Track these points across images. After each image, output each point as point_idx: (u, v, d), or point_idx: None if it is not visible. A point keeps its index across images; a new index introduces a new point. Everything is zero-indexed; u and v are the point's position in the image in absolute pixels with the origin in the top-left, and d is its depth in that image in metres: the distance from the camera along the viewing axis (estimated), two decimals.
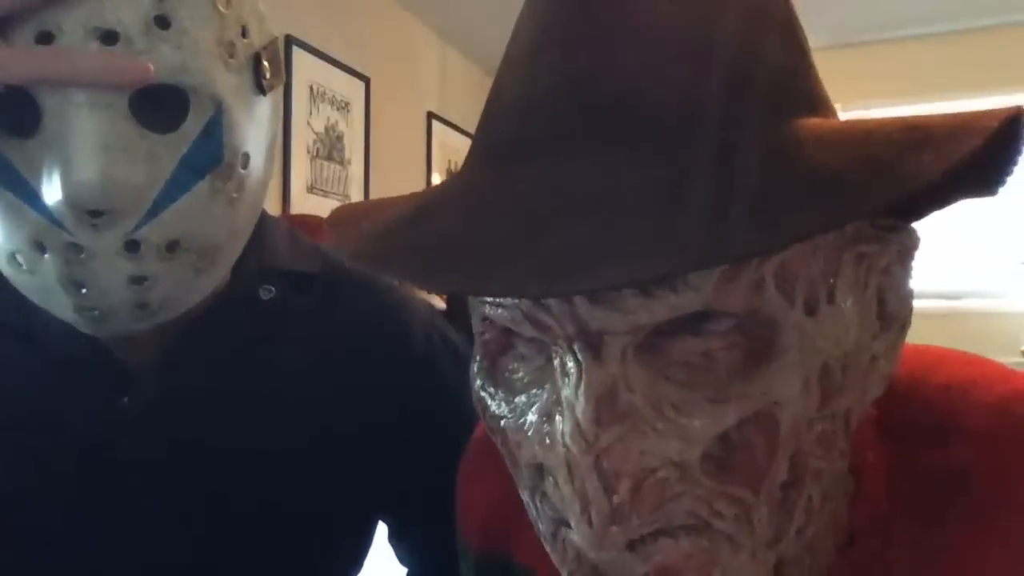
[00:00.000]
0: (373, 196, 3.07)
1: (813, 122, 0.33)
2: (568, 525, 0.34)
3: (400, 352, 0.67)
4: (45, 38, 0.44)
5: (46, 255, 0.47)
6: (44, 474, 0.57)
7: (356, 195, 3.03)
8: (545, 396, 0.34)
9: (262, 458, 0.61)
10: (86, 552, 0.58)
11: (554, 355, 0.33)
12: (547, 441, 0.33)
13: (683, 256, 0.27)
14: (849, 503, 0.39)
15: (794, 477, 0.33)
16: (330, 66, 2.85)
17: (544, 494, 0.35)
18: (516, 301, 0.33)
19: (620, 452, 0.31)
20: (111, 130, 0.45)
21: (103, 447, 0.58)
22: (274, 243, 0.64)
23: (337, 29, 2.89)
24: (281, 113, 0.60)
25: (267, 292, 0.62)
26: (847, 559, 0.39)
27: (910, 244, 0.36)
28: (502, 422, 0.36)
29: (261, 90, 0.53)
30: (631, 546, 0.32)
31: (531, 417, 0.35)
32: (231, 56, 0.50)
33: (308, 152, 2.75)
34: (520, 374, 0.37)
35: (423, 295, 0.93)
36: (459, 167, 0.39)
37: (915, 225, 0.37)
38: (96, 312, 0.48)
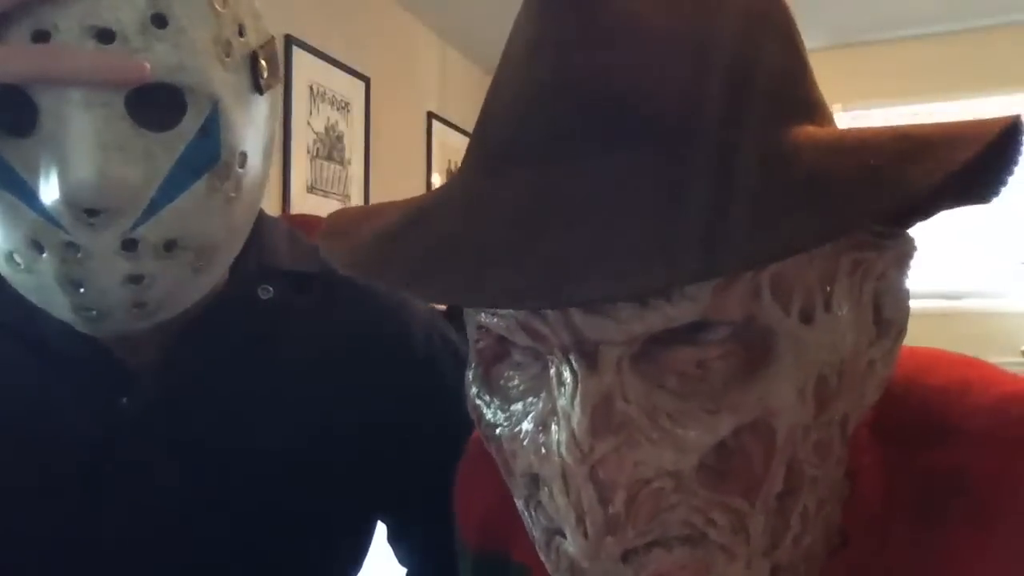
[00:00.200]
0: (373, 196, 3.07)
1: (811, 129, 0.33)
2: (562, 534, 0.34)
3: (400, 352, 0.67)
4: (41, 36, 0.44)
5: (43, 254, 0.46)
6: (44, 474, 0.57)
7: (356, 195, 3.03)
8: (541, 405, 0.34)
9: (262, 458, 0.61)
10: (86, 552, 0.58)
11: (549, 364, 0.33)
12: (542, 451, 0.33)
13: (679, 269, 0.27)
14: (843, 505, 0.39)
15: (790, 486, 0.33)
16: (330, 66, 2.85)
17: (539, 503, 0.35)
18: (511, 310, 0.33)
19: (615, 463, 0.31)
20: (108, 129, 0.45)
21: (103, 447, 0.57)
22: (273, 243, 0.64)
23: (337, 29, 2.89)
24: (279, 113, 0.59)
25: (266, 292, 0.61)
26: (841, 561, 0.39)
27: (906, 250, 0.36)
28: (497, 431, 0.36)
29: (258, 89, 0.53)
30: (625, 556, 0.32)
31: (526, 426, 0.34)
32: (228, 55, 0.49)
33: (308, 152, 2.75)
34: (515, 382, 0.36)
35: None
36: (459, 167, 0.39)
37: (915, 225, 0.37)
38: (94, 311, 0.48)
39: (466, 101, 3.85)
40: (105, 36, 0.44)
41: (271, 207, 2.50)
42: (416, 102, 3.54)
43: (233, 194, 0.51)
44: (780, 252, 0.28)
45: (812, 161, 0.30)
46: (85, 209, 0.45)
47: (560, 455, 0.31)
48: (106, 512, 0.58)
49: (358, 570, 0.72)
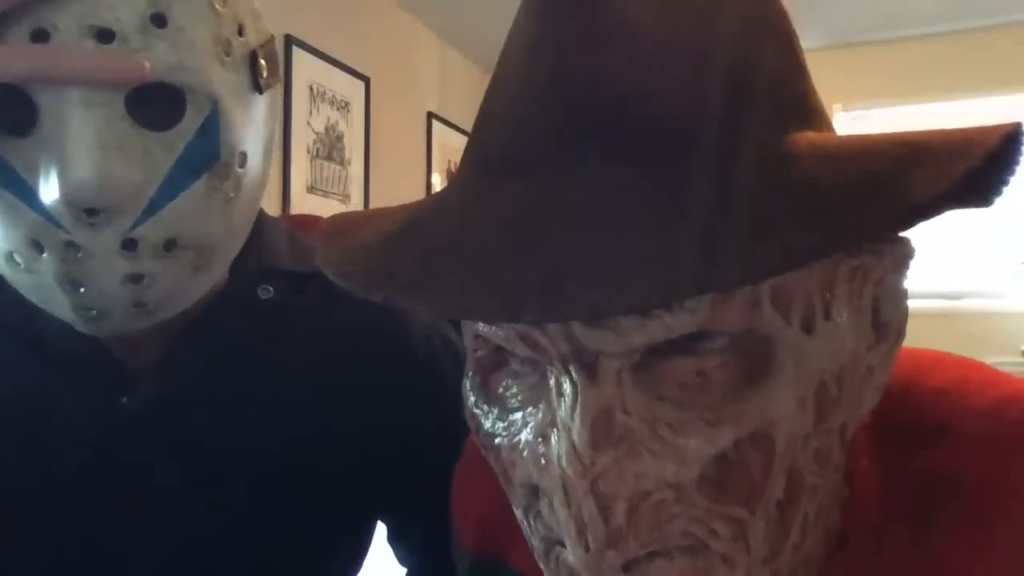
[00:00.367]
0: (373, 196, 3.07)
1: (811, 135, 0.32)
2: (562, 544, 0.34)
3: (400, 352, 0.67)
4: (40, 36, 0.44)
5: (43, 254, 0.46)
6: (44, 474, 0.57)
7: (356, 195, 3.02)
8: (540, 416, 0.34)
9: (262, 458, 0.61)
10: (86, 552, 0.58)
11: (549, 375, 0.33)
12: (542, 462, 0.33)
13: (678, 283, 0.27)
14: (842, 507, 0.38)
15: (790, 494, 0.33)
16: (330, 66, 2.85)
17: (538, 513, 0.35)
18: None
19: (616, 475, 0.31)
20: (107, 128, 0.45)
21: (103, 447, 0.57)
22: (273, 243, 0.64)
23: (337, 29, 2.89)
24: (279, 112, 0.59)
25: (266, 292, 0.61)
26: (839, 563, 0.38)
27: (905, 254, 0.36)
28: (496, 440, 0.36)
29: (258, 89, 0.53)
30: (627, 567, 0.32)
31: (526, 437, 0.34)
32: (227, 54, 0.49)
33: (308, 152, 2.75)
34: (514, 391, 0.36)
35: None
36: (456, 170, 0.39)
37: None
38: (94, 311, 0.48)
39: (466, 101, 3.85)
40: (104, 36, 0.44)
41: (271, 207, 2.50)
42: (416, 102, 3.54)
43: (233, 194, 0.51)
44: (781, 267, 0.28)
45: (812, 170, 0.29)
46: (85, 209, 0.44)
47: (561, 467, 0.31)
48: (106, 512, 0.58)
49: (358, 570, 0.72)
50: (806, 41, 0.36)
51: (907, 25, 3.60)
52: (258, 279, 0.61)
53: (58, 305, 0.49)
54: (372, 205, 3.10)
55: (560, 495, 0.32)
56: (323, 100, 2.82)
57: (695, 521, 0.32)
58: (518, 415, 0.35)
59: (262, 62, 0.53)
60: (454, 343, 0.70)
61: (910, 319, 0.37)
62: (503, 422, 0.36)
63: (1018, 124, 0.28)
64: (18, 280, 0.49)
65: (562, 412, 0.31)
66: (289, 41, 2.59)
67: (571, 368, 0.32)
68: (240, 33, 0.51)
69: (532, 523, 0.36)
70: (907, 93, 3.73)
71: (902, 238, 0.36)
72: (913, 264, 0.36)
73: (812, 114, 0.35)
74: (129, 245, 0.47)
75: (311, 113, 2.76)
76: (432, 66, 3.68)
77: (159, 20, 0.46)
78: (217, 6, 0.49)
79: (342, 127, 2.94)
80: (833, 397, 0.33)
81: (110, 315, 0.49)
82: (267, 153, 0.57)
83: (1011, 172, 0.28)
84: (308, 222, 0.71)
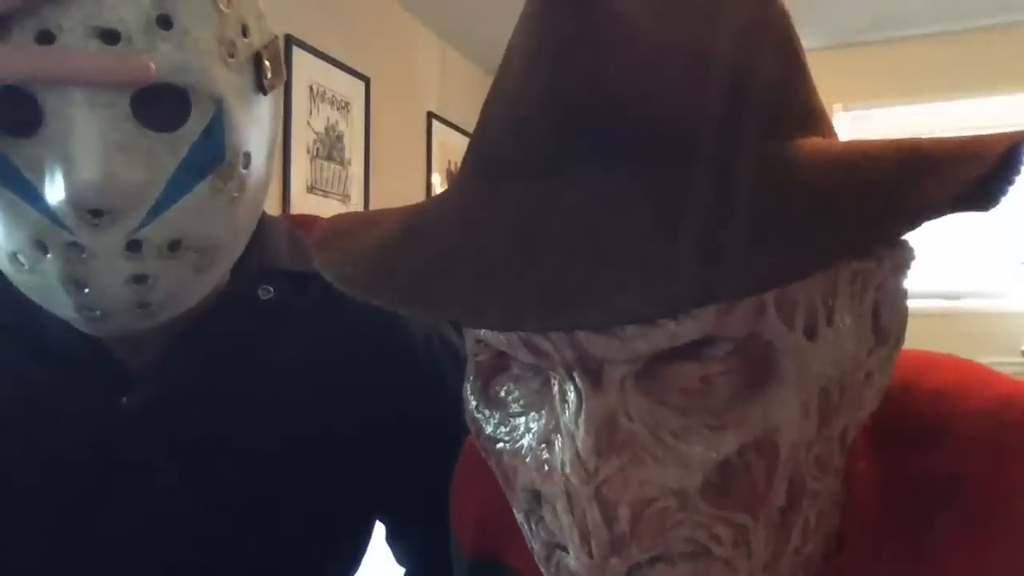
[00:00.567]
0: (373, 196, 3.07)
1: (813, 141, 0.32)
2: (563, 548, 0.34)
3: (400, 353, 0.67)
4: (45, 37, 0.44)
5: (48, 255, 0.46)
6: (44, 474, 0.57)
7: (356, 195, 3.02)
8: (543, 422, 0.34)
9: (261, 458, 0.61)
10: (86, 551, 0.58)
11: (552, 380, 0.33)
12: (545, 469, 0.33)
13: (681, 294, 0.27)
14: (840, 510, 0.38)
15: (792, 500, 0.33)
16: (330, 66, 2.85)
17: (540, 518, 0.35)
18: None
19: (620, 482, 0.31)
20: (112, 129, 0.45)
21: (103, 447, 0.57)
22: (274, 243, 0.64)
23: (337, 29, 2.89)
24: (282, 113, 0.59)
25: (266, 292, 0.62)
26: (837, 565, 0.38)
27: (905, 258, 0.36)
28: (498, 445, 0.36)
29: (262, 89, 0.53)
30: (629, 572, 0.32)
31: (528, 442, 0.34)
32: (232, 55, 0.49)
33: (308, 152, 2.75)
34: (516, 395, 0.36)
35: None
36: (459, 167, 0.39)
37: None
38: (97, 312, 0.48)
39: (466, 101, 3.85)
40: (109, 37, 0.44)
41: (271, 207, 2.49)
42: (416, 102, 3.54)
43: (237, 194, 0.51)
44: (788, 277, 0.28)
45: (816, 178, 0.29)
46: (89, 210, 0.45)
47: (564, 474, 0.31)
48: (106, 512, 0.58)
49: (356, 569, 0.72)
50: (806, 41, 0.36)
51: (907, 25, 3.59)
52: (258, 279, 0.61)
53: (61, 305, 0.49)
54: (372, 205, 3.10)
55: (564, 502, 0.32)
56: (323, 100, 2.82)
57: (698, 527, 0.32)
58: (520, 420, 0.35)
59: (266, 63, 0.53)
60: (454, 344, 0.70)
61: (910, 319, 0.37)
62: (505, 427, 0.36)
63: (1020, 133, 0.28)
64: (21, 280, 0.49)
65: (566, 418, 0.31)
66: (289, 41, 2.59)
67: (575, 375, 0.31)
68: (244, 34, 0.51)
69: (534, 528, 0.36)
70: (907, 93, 3.73)
71: (902, 242, 0.36)
72: (913, 264, 0.36)
73: (814, 118, 0.35)
74: (133, 246, 0.47)
75: (311, 113, 2.76)
76: (432, 66, 3.68)
77: (164, 21, 0.46)
78: (221, 7, 0.49)
79: (342, 127, 2.94)
80: (835, 402, 0.33)
81: (113, 316, 0.49)
82: (270, 154, 0.57)
83: (1012, 181, 0.28)
84: (308, 222, 0.71)
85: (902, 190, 0.28)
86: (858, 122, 3.81)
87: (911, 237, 0.36)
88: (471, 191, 0.35)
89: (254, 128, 0.52)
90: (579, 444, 0.31)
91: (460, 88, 3.87)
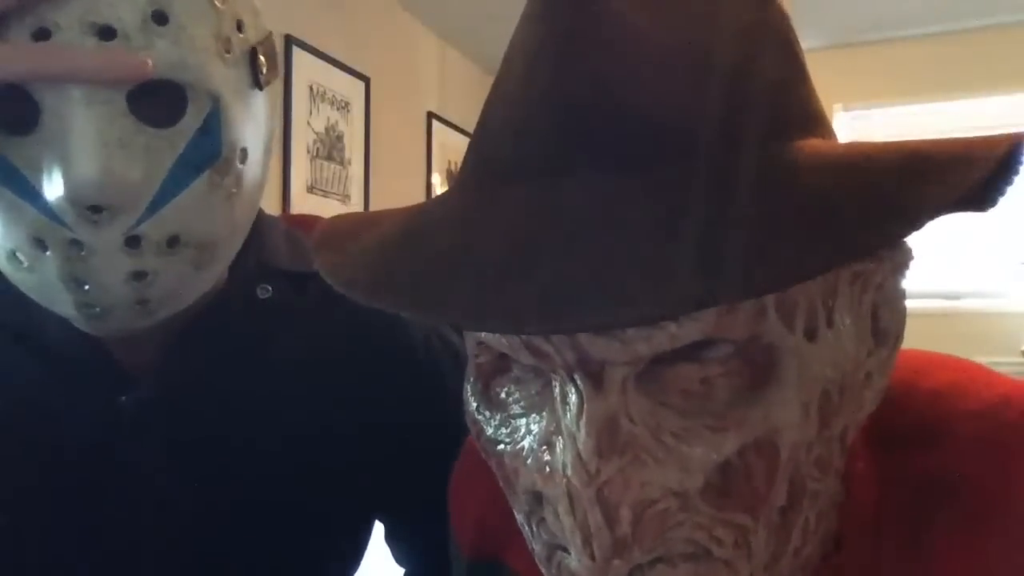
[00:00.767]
0: (373, 196, 3.07)
1: (813, 144, 0.32)
2: (564, 549, 0.34)
3: (399, 353, 0.67)
4: (42, 34, 0.44)
5: (47, 252, 0.47)
6: (43, 473, 0.57)
7: (356, 195, 3.02)
8: (544, 423, 0.34)
9: (260, 457, 0.61)
10: (85, 550, 0.58)
11: (553, 382, 0.33)
12: (547, 471, 0.33)
13: (682, 297, 0.27)
14: (839, 510, 0.38)
15: (792, 501, 0.33)
16: (330, 66, 2.85)
17: (541, 519, 0.35)
18: None
19: (621, 484, 0.31)
20: (110, 126, 0.45)
21: (102, 446, 0.57)
22: (272, 243, 0.64)
23: (337, 29, 2.89)
24: (279, 109, 0.60)
25: (264, 291, 0.62)
26: (835, 565, 0.38)
27: (904, 259, 0.36)
28: (498, 447, 0.36)
29: (258, 85, 0.53)
30: (630, 574, 0.32)
31: (529, 444, 0.34)
32: (227, 51, 0.50)
33: (308, 152, 2.75)
34: (516, 396, 0.36)
35: None
36: (459, 167, 0.39)
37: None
38: (97, 309, 0.48)
39: (466, 101, 3.85)
40: (106, 33, 0.44)
41: (271, 207, 2.50)
42: (416, 102, 3.54)
43: (234, 190, 0.51)
44: (789, 280, 0.28)
45: (817, 181, 0.29)
46: (89, 206, 0.45)
47: (566, 476, 0.31)
48: (105, 511, 0.58)
49: (356, 568, 0.72)
50: (806, 41, 0.36)
51: (907, 25, 3.60)
52: (256, 279, 0.61)
53: (61, 303, 0.49)
54: (372, 205, 3.10)
55: (565, 504, 0.32)
56: (323, 100, 2.82)
57: (698, 528, 0.32)
58: (521, 421, 0.35)
59: (261, 58, 0.53)
60: (454, 344, 0.70)
61: (910, 319, 0.37)
62: (506, 428, 0.36)
63: (1019, 135, 0.28)
64: (20, 279, 0.49)
65: (567, 420, 0.31)
66: (289, 41, 2.59)
67: (576, 377, 0.32)
68: (239, 29, 0.51)
69: (535, 529, 0.36)
70: (907, 93, 3.73)
71: (901, 242, 0.36)
72: (913, 264, 0.36)
73: (814, 119, 0.35)
74: (132, 242, 0.47)
75: (311, 113, 2.76)
76: (432, 66, 3.68)
77: (160, 17, 0.46)
78: (217, 3, 0.49)
79: (342, 127, 2.94)
80: (835, 403, 0.33)
81: (113, 313, 0.49)
82: (267, 150, 0.57)
83: (1011, 182, 0.28)
84: (308, 222, 0.71)
85: (903, 192, 0.28)
86: (858, 122, 3.81)
87: (911, 237, 0.36)
88: (471, 192, 0.35)
89: (250, 124, 0.52)
90: (580, 446, 0.31)
91: (460, 88, 3.87)
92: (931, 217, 0.27)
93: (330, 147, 2.87)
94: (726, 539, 0.32)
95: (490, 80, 0.37)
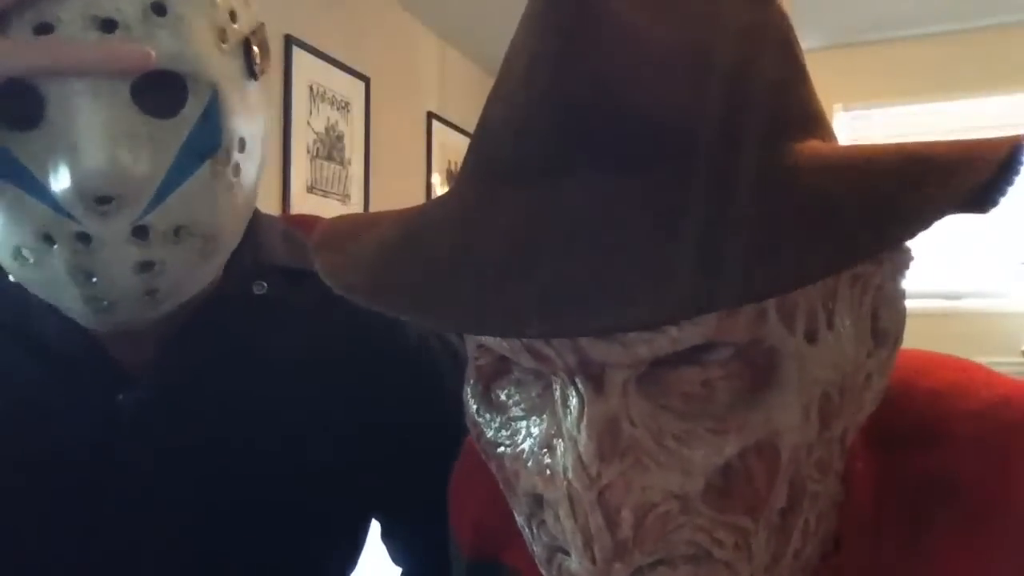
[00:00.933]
0: (373, 196, 3.07)
1: (814, 145, 0.32)
2: (564, 552, 0.34)
3: (398, 353, 0.67)
4: (44, 29, 0.44)
5: (54, 247, 0.47)
6: (42, 472, 0.57)
7: (356, 195, 3.02)
8: (544, 426, 0.34)
9: (259, 457, 0.61)
10: (84, 550, 0.58)
11: (554, 385, 0.33)
12: (547, 473, 0.33)
13: (682, 301, 0.27)
14: (838, 510, 0.38)
15: (792, 502, 0.33)
16: (330, 66, 2.85)
17: (542, 522, 0.35)
18: None
19: (623, 487, 0.31)
20: (115, 117, 0.45)
21: (100, 445, 0.57)
22: (268, 240, 0.64)
23: (337, 29, 2.89)
24: (274, 101, 0.60)
25: (260, 287, 0.62)
26: (834, 565, 0.38)
27: (904, 260, 0.36)
28: (499, 449, 0.36)
29: (253, 75, 0.53)
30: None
31: (529, 447, 0.34)
32: (224, 41, 0.50)
33: (308, 152, 2.75)
34: (516, 399, 0.36)
35: None
36: (459, 167, 0.39)
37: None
38: (104, 302, 0.48)
39: (466, 101, 3.85)
40: (107, 26, 0.45)
41: (271, 207, 2.50)
42: (416, 102, 3.54)
43: (234, 179, 0.52)
44: (791, 284, 0.28)
45: (818, 183, 0.29)
46: (96, 198, 0.45)
47: (567, 479, 0.31)
48: (104, 510, 0.58)
49: (354, 567, 0.72)
50: (806, 41, 0.36)
51: (907, 25, 3.60)
52: (253, 275, 0.62)
53: (68, 298, 0.49)
54: (372, 205, 3.11)
55: (566, 507, 0.32)
56: (323, 100, 2.82)
57: (699, 530, 0.32)
58: (521, 424, 0.35)
59: (255, 48, 0.53)
60: (453, 344, 0.70)
61: (910, 319, 0.37)
62: (506, 431, 0.36)
63: (1019, 137, 0.28)
64: (25, 276, 0.49)
65: (568, 423, 0.31)
66: (289, 41, 2.59)
67: (577, 380, 0.31)
68: (233, 20, 0.52)
69: (535, 531, 0.36)
70: (907, 93, 3.73)
71: (902, 244, 0.36)
72: (913, 264, 0.37)
73: (814, 120, 0.35)
74: (140, 233, 0.47)
75: (311, 113, 2.76)
76: (432, 66, 3.68)
77: (159, 9, 0.46)
78: None
79: (342, 127, 2.94)
80: (835, 405, 0.33)
81: (121, 305, 0.49)
82: (264, 140, 0.57)
83: (1011, 183, 0.28)
84: (307, 222, 0.71)
85: (904, 195, 0.28)
86: (858, 122, 3.81)
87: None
88: (471, 196, 0.35)
89: (247, 113, 0.53)
90: (581, 449, 0.31)
91: (460, 88, 3.87)
92: (933, 220, 0.27)
93: (330, 147, 2.87)
94: (727, 541, 0.32)
95: (490, 80, 0.37)
